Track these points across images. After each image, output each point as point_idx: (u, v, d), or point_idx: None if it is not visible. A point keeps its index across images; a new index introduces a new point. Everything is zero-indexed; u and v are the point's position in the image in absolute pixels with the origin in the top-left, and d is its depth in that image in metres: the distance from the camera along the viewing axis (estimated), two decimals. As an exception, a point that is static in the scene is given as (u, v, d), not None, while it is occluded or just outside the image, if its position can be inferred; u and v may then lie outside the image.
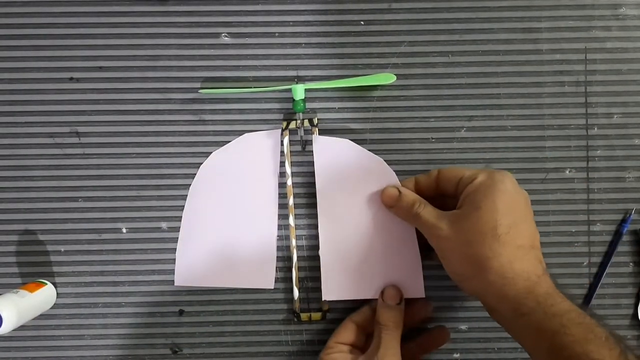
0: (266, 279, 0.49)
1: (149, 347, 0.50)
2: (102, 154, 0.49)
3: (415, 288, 0.48)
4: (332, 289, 0.48)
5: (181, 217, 0.49)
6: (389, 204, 0.46)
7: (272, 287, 0.49)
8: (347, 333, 0.47)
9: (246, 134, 0.49)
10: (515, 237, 0.40)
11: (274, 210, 0.49)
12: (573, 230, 0.50)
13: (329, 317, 0.50)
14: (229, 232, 0.49)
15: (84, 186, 0.50)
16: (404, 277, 0.48)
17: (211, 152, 0.49)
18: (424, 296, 0.48)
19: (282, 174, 0.49)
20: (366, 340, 0.48)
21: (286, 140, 0.49)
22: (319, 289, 0.49)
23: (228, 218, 0.49)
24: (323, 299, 0.48)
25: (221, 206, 0.49)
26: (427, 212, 0.44)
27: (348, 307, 0.50)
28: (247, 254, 0.49)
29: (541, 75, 0.50)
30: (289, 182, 0.49)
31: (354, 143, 0.49)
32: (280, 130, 0.49)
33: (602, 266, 0.50)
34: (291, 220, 0.49)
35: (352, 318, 0.47)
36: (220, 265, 0.49)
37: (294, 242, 0.49)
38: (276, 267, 0.49)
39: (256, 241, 0.49)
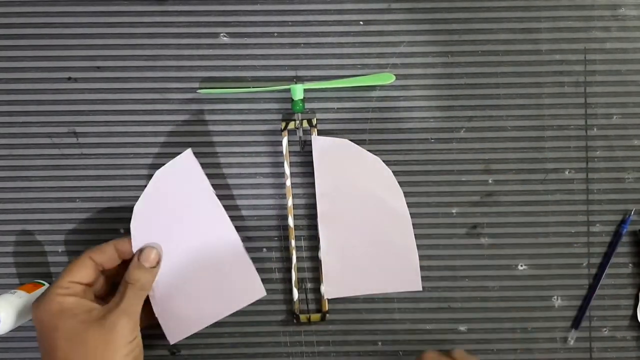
0: (255, 289, 0.47)
1: (147, 348, 0.49)
2: (100, 154, 0.49)
3: (413, 282, 0.48)
4: (333, 288, 0.48)
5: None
6: None
7: (265, 294, 0.47)
8: (84, 271, 0.43)
9: (157, 171, 0.46)
10: None
11: (226, 220, 0.46)
12: (572, 231, 0.50)
13: (328, 318, 0.50)
14: (198, 269, 0.46)
15: (82, 186, 0.49)
16: (402, 272, 0.48)
17: (210, 152, 0.49)
18: (421, 289, 0.48)
19: (281, 175, 0.49)
20: (105, 283, 0.45)
21: (285, 140, 0.49)
22: (318, 290, 0.49)
23: (189, 257, 0.46)
24: (325, 298, 0.48)
25: (175, 251, 0.46)
26: None
27: (346, 309, 0.50)
28: (222, 276, 0.46)
29: (541, 75, 0.50)
30: (288, 182, 0.49)
31: (353, 143, 0.48)
32: (189, 152, 0.46)
33: (602, 267, 0.50)
34: (290, 221, 0.49)
35: (92, 255, 0.43)
36: (206, 304, 0.46)
37: (293, 243, 0.49)
38: (275, 269, 0.49)
39: (228, 263, 0.46)
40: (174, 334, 0.47)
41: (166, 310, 0.46)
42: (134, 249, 0.45)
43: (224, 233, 0.46)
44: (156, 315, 0.46)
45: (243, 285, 0.47)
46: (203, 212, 0.46)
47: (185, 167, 0.46)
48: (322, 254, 0.48)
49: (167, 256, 0.46)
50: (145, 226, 0.45)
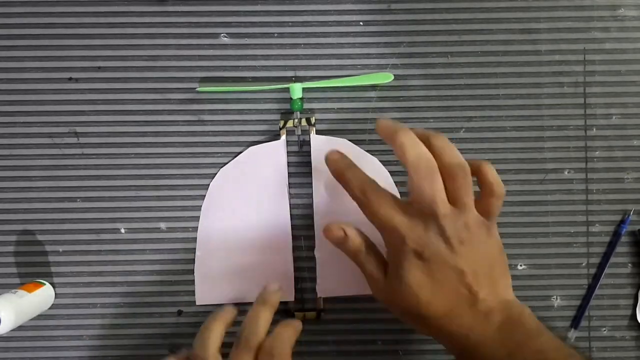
0: (286, 290, 0.48)
1: (148, 348, 0.50)
2: (101, 154, 0.49)
3: None
4: (327, 286, 0.49)
5: (180, 217, 0.49)
6: (333, 242, 0.44)
7: (293, 299, 0.49)
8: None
9: (251, 147, 0.49)
10: (437, 308, 0.40)
11: (287, 222, 0.49)
12: (572, 231, 0.50)
13: (328, 317, 0.50)
14: (246, 248, 0.48)
15: (83, 186, 0.49)
16: None
17: (210, 152, 0.49)
18: None
19: (281, 175, 0.49)
20: None
21: (283, 138, 0.49)
22: (314, 289, 0.49)
23: (243, 234, 0.49)
24: (318, 296, 0.49)
25: (235, 223, 0.49)
26: (369, 261, 0.43)
27: (346, 308, 0.50)
28: (265, 268, 0.48)
29: (540, 76, 0.50)
30: (286, 181, 0.49)
31: (351, 143, 0.49)
32: (284, 141, 0.49)
33: (601, 267, 0.50)
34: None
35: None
36: (241, 282, 0.48)
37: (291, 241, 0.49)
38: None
39: (273, 254, 0.49)
40: (203, 296, 0.49)
41: (205, 271, 0.49)
42: (205, 202, 0.49)
43: (281, 227, 0.48)
44: (194, 271, 0.49)
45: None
46: (271, 200, 0.48)
47: (275, 152, 0.48)
48: (317, 254, 0.48)
49: (227, 224, 0.48)
50: (223, 188, 0.48)
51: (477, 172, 0.41)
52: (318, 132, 0.49)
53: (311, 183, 0.49)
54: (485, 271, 0.40)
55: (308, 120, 0.49)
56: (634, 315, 0.50)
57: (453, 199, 0.40)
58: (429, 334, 0.42)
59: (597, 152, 0.50)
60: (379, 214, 0.41)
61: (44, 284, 0.48)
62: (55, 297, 0.49)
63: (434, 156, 0.40)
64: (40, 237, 0.50)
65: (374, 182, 0.43)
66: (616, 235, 0.50)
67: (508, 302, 0.41)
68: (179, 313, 0.50)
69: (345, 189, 0.43)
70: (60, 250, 0.50)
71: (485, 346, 0.39)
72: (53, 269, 0.50)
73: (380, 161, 0.49)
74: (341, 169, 0.43)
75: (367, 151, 0.49)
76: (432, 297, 0.40)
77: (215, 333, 0.42)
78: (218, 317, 0.43)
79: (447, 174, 0.40)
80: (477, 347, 0.39)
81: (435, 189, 0.39)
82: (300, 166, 0.50)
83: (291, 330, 0.42)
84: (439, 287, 0.40)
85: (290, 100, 0.48)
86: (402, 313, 0.42)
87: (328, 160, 0.44)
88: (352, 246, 0.43)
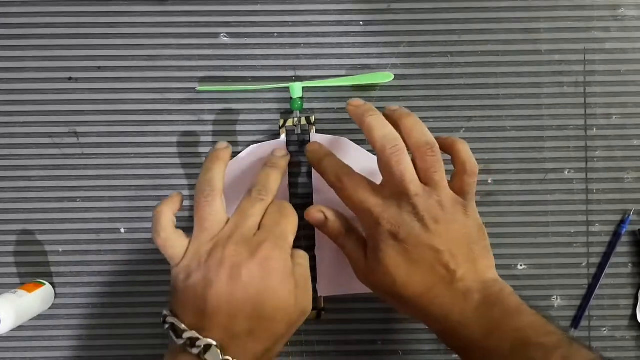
0: None
1: (148, 348, 0.50)
2: (101, 154, 0.49)
3: None
4: (328, 285, 0.48)
5: (180, 217, 0.49)
6: (314, 225, 0.45)
7: None
8: None
9: (252, 146, 0.48)
10: (415, 288, 0.40)
11: None
12: (572, 231, 0.50)
13: (329, 317, 0.50)
14: None
15: (83, 186, 0.49)
16: None
17: (209, 152, 0.49)
18: None
19: (281, 174, 0.49)
20: None
21: (283, 137, 0.49)
22: (315, 289, 0.49)
23: None
24: (318, 295, 0.48)
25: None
26: (350, 243, 0.43)
27: (347, 308, 0.50)
28: None
29: (540, 75, 0.50)
30: (286, 181, 0.49)
31: (350, 141, 0.48)
32: (284, 140, 0.48)
33: (601, 267, 0.50)
34: (289, 221, 0.49)
35: None
36: None
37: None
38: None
39: None
40: None
41: None
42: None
43: None
44: None
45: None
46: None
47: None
48: (317, 252, 0.48)
49: None
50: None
51: (450, 150, 0.42)
52: (318, 132, 0.49)
53: (311, 182, 0.49)
54: (463, 250, 0.40)
55: (308, 120, 0.49)
56: (634, 315, 0.50)
57: (424, 178, 0.40)
58: (412, 315, 0.42)
59: (597, 152, 0.50)
60: (353, 197, 0.42)
61: (44, 284, 0.48)
62: (55, 297, 0.49)
63: (404, 136, 0.41)
64: (40, 237, 0.50)
65: (348, 167, 0.43)
66: (616, 235, 0.50)
67: (488, 281, 0.40)
68: (179, 313, 0.50)
69: (323, 177, 0.44)
70: (60, 250, 0.50)
71: (465, 326, 0.39)
72: (53, 269, 0.50)
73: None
74: (319, 157, 0.44)
75: (368, 151, 0.49)
76: (409, 277, 0.40)
77: (166, 216, 0.40)
78: (165, 203, 0.41)
79: (416, 153, 0.41)
80: (457, 327, 0.39)
81: (403, 168, 0.40)
82: (300, 165, 0.50)
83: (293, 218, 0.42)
84: (416, 267, 0.40)
85: (290, 99, 0.48)
86: (383, 294, 0.42)
87: (307, 151, 0.46)
88: (331, 228, 0.44)
